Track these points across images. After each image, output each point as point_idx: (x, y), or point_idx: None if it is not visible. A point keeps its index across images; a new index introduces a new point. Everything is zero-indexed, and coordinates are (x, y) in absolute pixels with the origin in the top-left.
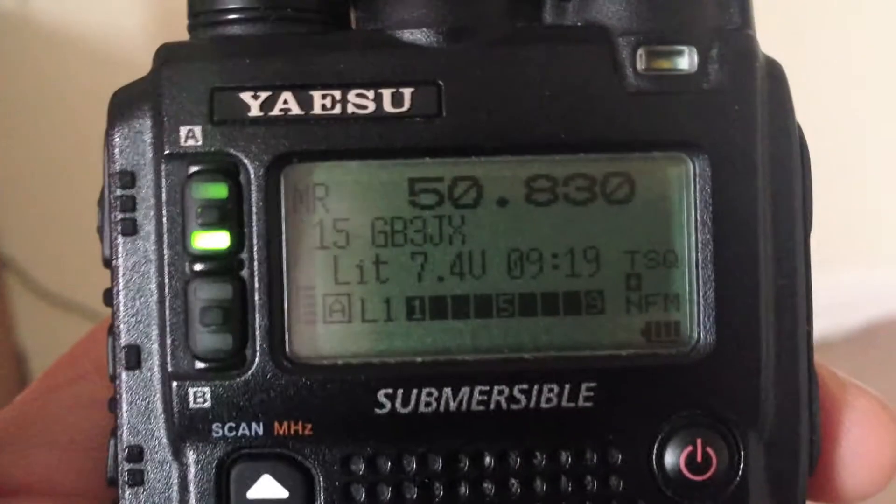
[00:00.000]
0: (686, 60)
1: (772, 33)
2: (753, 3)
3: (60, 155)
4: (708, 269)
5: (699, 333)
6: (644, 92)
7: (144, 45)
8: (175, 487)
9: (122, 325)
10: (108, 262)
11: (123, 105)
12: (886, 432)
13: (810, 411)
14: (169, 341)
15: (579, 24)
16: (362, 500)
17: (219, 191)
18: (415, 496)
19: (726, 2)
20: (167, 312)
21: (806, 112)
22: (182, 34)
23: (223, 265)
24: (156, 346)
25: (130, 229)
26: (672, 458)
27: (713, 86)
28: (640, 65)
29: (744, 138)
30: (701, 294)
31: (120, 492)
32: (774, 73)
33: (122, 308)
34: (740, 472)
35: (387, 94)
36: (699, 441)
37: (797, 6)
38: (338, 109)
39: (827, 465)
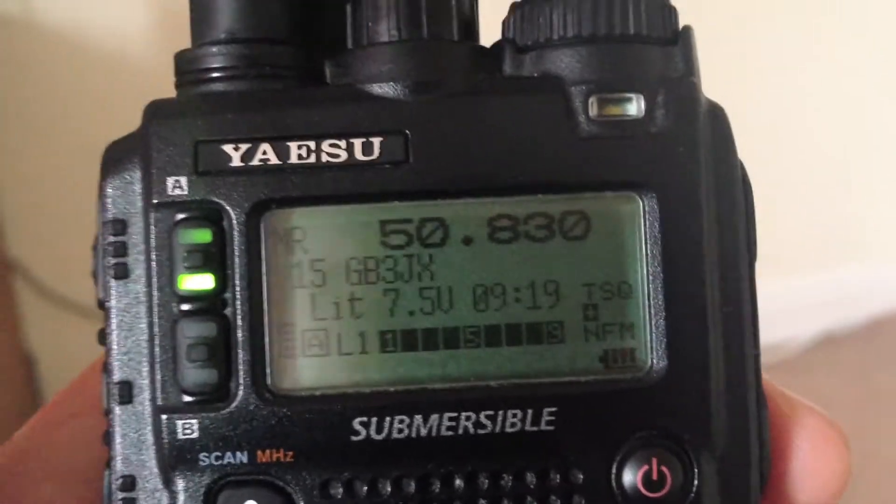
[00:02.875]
0: (634, 107)
1: (778, 22)
2: (697, 54)
3: (66, 158)
4: (659, 299)
5: (653, 359)
6: (596, 137)
7: (148, 49)
8: None
9: (115, 363)
10: (101, 304)
11: (115, 158)
12: (834, 449)
13: (760, 430)
14: (158, 377)
15: (536, 74)
16: None
17: (203, 236)
18: None
19: (671, 52)
20: (156, 350)
21: (805, 111)
22: (184, 37)
23: (208, 305)
24: (146, 382)
25: (122, 273)
26: (630, 476)
27: (659, 129)
28: (592, 111)
29: (688, 177)
30: (653, 322)
31: None
32: (717, 116)
33: (114, 346)
34: (694, 489)
35: (357, 143)
36: (654, 460)
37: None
38: (313, 158)
39: (778, 481)
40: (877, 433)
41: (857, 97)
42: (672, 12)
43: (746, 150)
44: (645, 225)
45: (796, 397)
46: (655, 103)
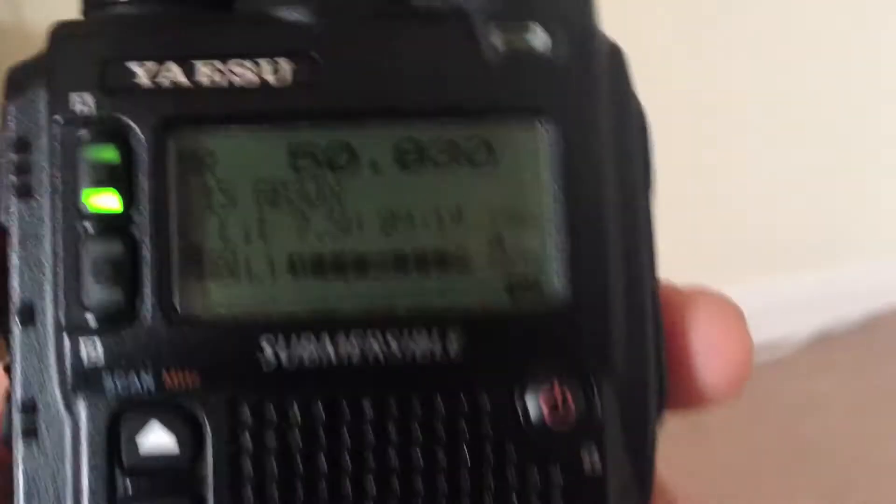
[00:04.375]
0: (537, 39)
1: (774, 14)
2: None
3: None
4: (562, 228)
5: (555, 288)
6: (499, 66)
7: None
8: (68, 439)
9: (15, 284)
10: (2, 227)
11: (19, 78)
12: (733, 322)
13: (658, 356)
14: (62, 297)
15: (444, 7)
16: (248, 445)
17: (109, 153)
18: (299, 441)
19: None
20: (60, 269)
21: (804, 111)
22: None
23: (114, 223)
24: (49, 304)
25: (25, 192)
26: (533, 400)
27: (561, 62)
28: (497, 41)
29: (588, 107)
30: (556, 251)
31: (14, 446)
32: (615, 55)
33: (16, 268)
34: (595, 413)
35: (265, 64)
36: (556, 384)
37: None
38: (219, 78)
39: (680, 368)
40: (873, 431)
41: (853, 95)
42: None
43: (740, 147)
44: (547, 153)
45: (688, 288)
46: (557, 37)
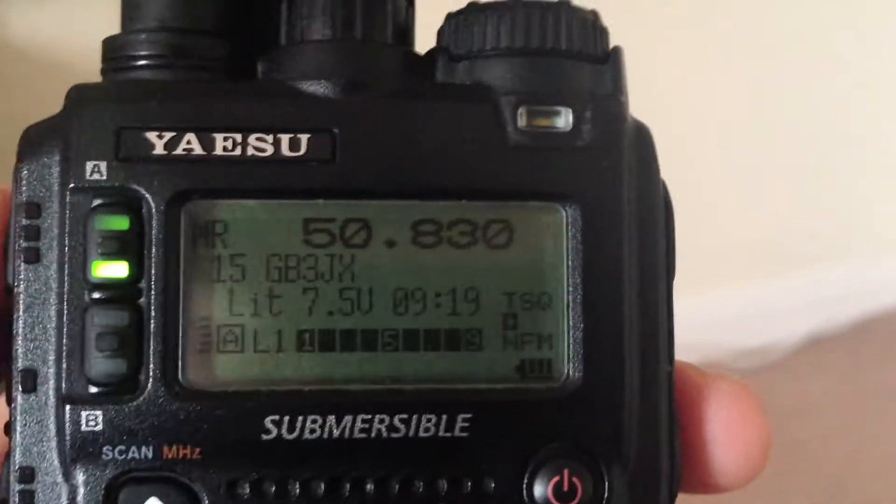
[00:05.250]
0: (562, 120)
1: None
2: (626, 74)
3: None
4: (577, 311)
5: (569, 371)
6: (523, 147)
7: None
8: None
9: (20, 350)
10: (8, 290)
11: (33, 141)
12: (751, 411)
13: (671, 446)
14: (64, 365)
15: (468, 83)
16: None
17: (120, 223)
18: None
19: (600, 70)
20: (64, 338)
21: (796, 117)
22: None
23: (121, 294)
24: (52, 371)
25: (33, 257)
26: (541, 486)
27: (585, 144)
28: (521, 122)
29: (611, 191)
30: (571, 334)
31: None
32: (642, 135)
33: (21, 333)
34: (604, 502)
35: (285, 138)
36: (566, 471)
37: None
38: (238, 151)
39: (696, 452)
40: (863, 434)
41: (843, 100)
42: (603, 32)
43: (730, 152)
44: (567, 236)
45: (709, 371)
46: (583, 118)
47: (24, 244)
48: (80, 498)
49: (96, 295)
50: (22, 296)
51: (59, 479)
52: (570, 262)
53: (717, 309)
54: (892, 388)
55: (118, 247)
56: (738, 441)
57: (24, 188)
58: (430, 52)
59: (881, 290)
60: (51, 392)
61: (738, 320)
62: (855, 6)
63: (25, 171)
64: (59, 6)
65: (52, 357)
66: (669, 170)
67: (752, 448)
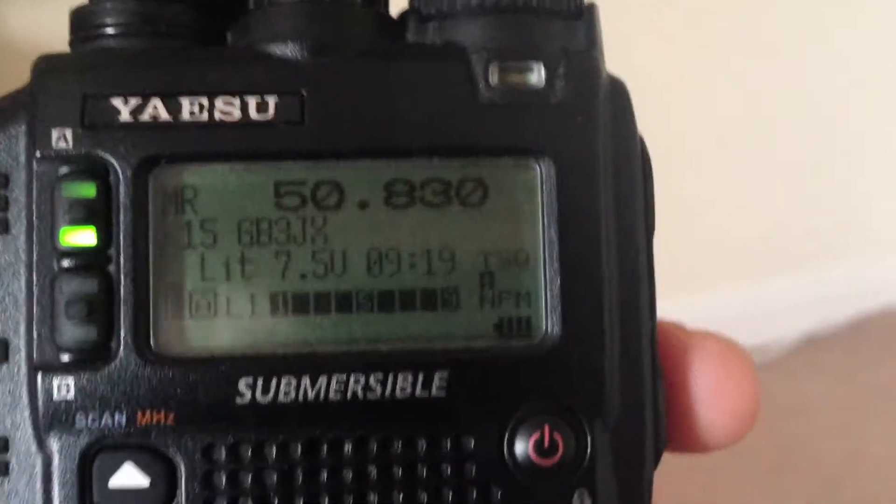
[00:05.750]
0: (535, 76)
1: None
2: (601, 29)
3: None
4: (555, 268)
5: (547, 327)
6: (495, 104)
7: None
8: (39, 477)
9: None
10: None
11: (1, 112)
12: (740, 367)
13: (655, 402)
14: (35, 334)
15: (439, 43)
16: (223, 487)
17: (88, 190)
18: (275, 482)
19: (574, 26)
20: (34, 307)
21: (792, 116)
22: None
23: (90, 261)
24: (23, 341)
25: (2, 228)
26: (522, 443)
27: (559, 100)
28: (493, 79)
29: (586, 147)
30: (549, 290)
31: None
32: (617, 91)
33: None
34: (587, 459)
35: (252, 101)
36: (546, 427)
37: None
38: (205, 116)
39: (682, 411)
40: (860, 432)
41: (840, 99)
42: None
43: (726, 151)
44: (542, 193)
45: (696, 330)
46: (556, 74)
47: None
48: (54, 466)
49: (65, 263)
50: None
51: (34, 448)
52: (545, 219)
53: (714, 308)
54: (889, 387)
55: (86, 214)
56: (725, 400)
57: None
58: (402, 15)
59: (878, 290)
60: (22, 362)
61: (734, 320)
62: (854, 5)
63: None
64: (58, 5)
65: (23, 327)
66: (667, 169)
67: (740, 407)
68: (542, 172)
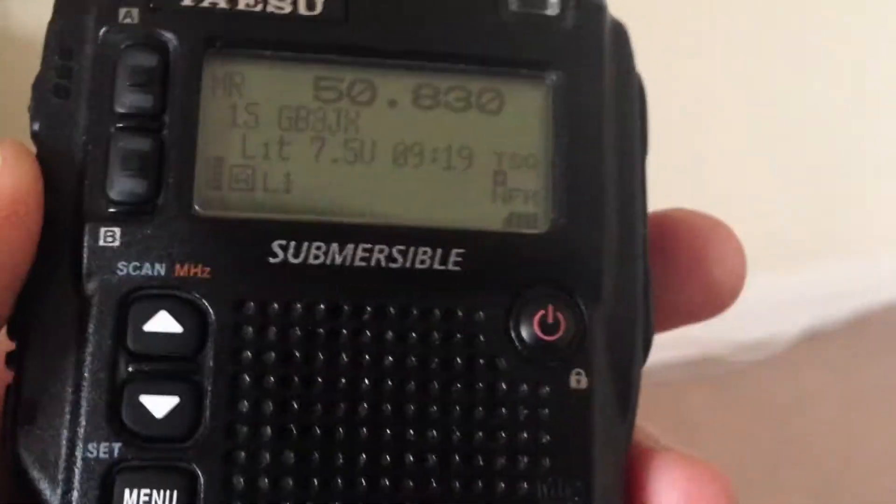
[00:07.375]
0: (550, 5)
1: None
2: None
3: None
4: (562, 171)
5: (553, 219)
6: (514, 23)
7: None
8: (75, 320)
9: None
10: (36, 136)
11: (66, 1)
12: (736, 244)
13: (645, 297)
14: (87, 186)
15: None
16: (251, 338)
17: (148, 60)
18: (298, 339)
19: None
20: (88, 159)
21: (792, 111)
22: None
23: (144, 123)
24: (72, 193)
25: (63, 93)
26: (527, 319)
27: (570, 26)
28: (513, 4)
29: (593, 66)
30: (556, 189)
31: (17, 332)
32: (619, 30)
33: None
34: (585, 338)
35: None
36: (550, 307)
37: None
38: (259, 7)
39: (697, 270)
40: (862, 428)
41: (841, 95)
42: None
43: (728, 146)
44: (553, 104)
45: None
46: (568, 5)
47: (55, 80)
48: (92, 309)
49: (121, 124)
50: (45, 132)
51: (70, 293)
52: (555, 129)
53: None
54: (890, 382)
55: (146, 79)
56: (729, 261)
57: (56, 37)
58: None
59: (878, 286)
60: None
61: (735, 314)
62: (855, 5)
63: (60, 23)
64: None
65: (74, 182)
66: (668, 168)
67: (738, 268)
68: (553, 87)
